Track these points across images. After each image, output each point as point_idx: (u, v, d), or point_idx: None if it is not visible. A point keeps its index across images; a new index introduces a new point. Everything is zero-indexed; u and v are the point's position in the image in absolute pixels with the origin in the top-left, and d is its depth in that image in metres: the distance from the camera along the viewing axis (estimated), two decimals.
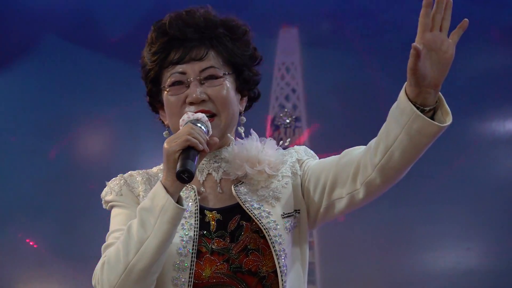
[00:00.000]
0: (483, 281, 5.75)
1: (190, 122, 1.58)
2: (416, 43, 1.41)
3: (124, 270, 1.57)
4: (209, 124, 1.62)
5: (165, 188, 1.57)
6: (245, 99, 1.87)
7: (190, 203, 1.72)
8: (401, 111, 1.48)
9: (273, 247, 1.65)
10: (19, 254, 6.11)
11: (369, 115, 5.69)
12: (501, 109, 6.31)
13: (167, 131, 1.78)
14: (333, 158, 1.77)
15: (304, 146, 1.95)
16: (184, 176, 1.48)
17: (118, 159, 6.10)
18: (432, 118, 1.45)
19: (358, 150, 1.70)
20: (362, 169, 1.60)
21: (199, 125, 1.58)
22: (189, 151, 1.55)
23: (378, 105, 5.62)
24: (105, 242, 1.69)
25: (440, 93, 1.46)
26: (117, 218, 1.77)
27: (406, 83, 1.44)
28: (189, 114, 1.61)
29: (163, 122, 1.83)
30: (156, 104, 1.82)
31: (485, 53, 6.23)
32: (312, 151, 1.96)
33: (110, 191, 1.79)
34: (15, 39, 6.42)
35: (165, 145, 1.56)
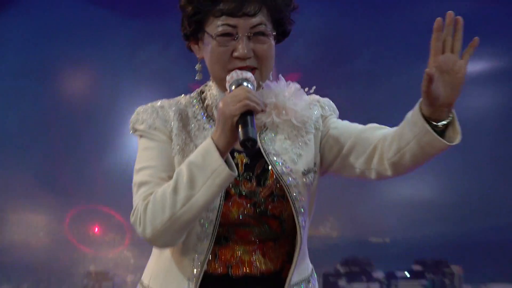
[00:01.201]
0: (437, 213, 5.67)
1: (239, 81, 1.47)
2: (429, 67, 1.40)
3: (169, 219, 1.54)
4: (255, 83, 1.53)
5: (218, 148, 1.49)
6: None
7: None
8: (414, 122, 1.49)
9: (293, 204, 1.58)
10: (8, 186, 5.99)
11: (348, 65, 5.82)
12: None
13: (199, 65, 1.60)
14: (355, 126, 1.68)
15: (328, 99, 1.77)
16: (248, 145, 1.42)
17: (100, 98, 5.91)
18: (444, 131, 1.44)
19: (379, 131, 1.64)
20: (378, 157, 1.58)
21: (247, 84, 1.48)
22: (247, 116, 1.46)
23: (356, 56, 5.92)
24: (134, 172, 1.81)
25: (454, 111, 1.42)
26: (148, 152, 1.64)
27: (421, 99, 1.45)
28: (238, 73, 1.52)
29: (191, 50, 1.65)
30: (190, 37, 1.66)
31: None
32: (333, 104, 1.79)
33: (142, 121, 1.64)
34: None
35: (222, 106, 1.49)
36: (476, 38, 1.34)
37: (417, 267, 5.23)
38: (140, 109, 1.58)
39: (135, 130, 1.60)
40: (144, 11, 6.39)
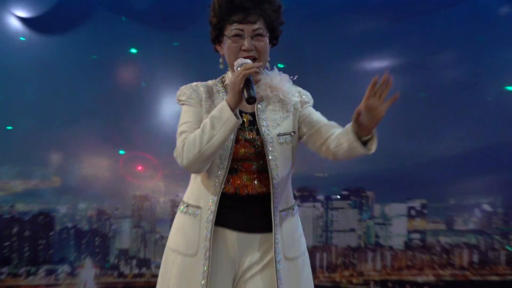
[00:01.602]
0: (359, 157, 6.68)
1: (242, 63, 1.98)
2: (361, 105, 1.80)
3: (198, 152, 1.94)
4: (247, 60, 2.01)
5: (230, 106, 1.93)
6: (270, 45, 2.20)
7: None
8: (348, 133, 1.87)
9: (267, 152, 2.05)
10: (82, 139, 5.97)
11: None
12: None
13: (222, 59, 2.15)
14: (322, 118, 2.25)
15: (306, 92, 2.41)
16: (251, 100, 1.87)
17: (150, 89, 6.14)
18: (367, 141, 1.89)
19: (333, 129, 2.12)
20: (326, 146, 2.02)
21: (247, 61, 1.99)
22: (249, 82, 1.90)
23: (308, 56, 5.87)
24: (178, 126, 2.10)
25: (374, 130, 1.88)
26: (187, 113, 2.13)
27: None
28: (241, 59, 2.01)
29: (216, 51, 2.18)
30: (216, 41, 2.14)
31: None
32: (310, 96, 2.42)
33: (183, 94, 2.14)
34: None
35: (232, 78, 1.96)
36: (398, 92, 1.77)
37: (345, 192, 5.77)
38: (182, 87, 2.09)
39: (179, 101, 2.08)
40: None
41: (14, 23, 5.80)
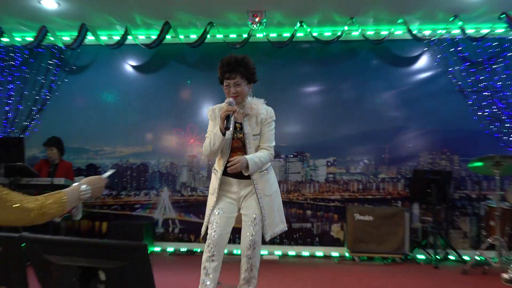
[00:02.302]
0: (302, 132, 7.07)
1: (228, 102, 3.03)
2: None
3: (210, 151, 3.13)
4: (234, 102, 3.15)
5: (220, 128, 2.95)
6: (251, 84, 3.28)
7: (232, 121, 3.13)
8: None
9: (247, 144, 3.11)
10: (153, 128, 7.37)
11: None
12: None
13: (228, 99, 3.16)
14: (267, 136, 3.33)
15: (272, 109, 3.41)
16: (225, 130, 2.91)
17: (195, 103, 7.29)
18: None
19: (260, 149, 3.27)
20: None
21: (231, 100, 3.08)
22: (228, 117, 2.90)
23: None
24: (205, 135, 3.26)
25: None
26: (210, 125, 3.28)
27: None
28: (228, 99, 3.05)
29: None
30: (221, 84, 3.19)
31: None
32: (273, 114, 3.43)
33: (209, 113, 3.31)
34: None
35: (221, 114, 2.92)
36: (233, 167, 2.93)
37: (295, 153, 6.99)
38: (209, 108, 3.36)
39: (208, 116, 3.32)
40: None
41: (128, 68, 7.30)
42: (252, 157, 3.17)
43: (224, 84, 3.24)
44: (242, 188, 3.36)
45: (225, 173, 3.31)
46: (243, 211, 3.38)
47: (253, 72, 3.28)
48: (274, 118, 3.37)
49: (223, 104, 3.27)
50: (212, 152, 3.24)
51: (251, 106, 3.28)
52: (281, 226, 3.49)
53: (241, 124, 3.28)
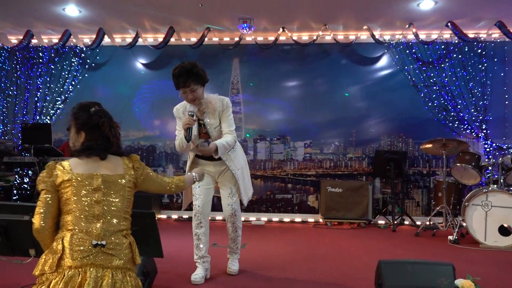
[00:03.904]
0: (287, 115, 6.96)
1: (190, 114, 2.94)
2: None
3: (180, 149, 3.18)
4: (194, 112, 3.01)
5: (185, 136, 2.98)
6: (204, 85, 3.15)
7: (196, 120, 3.08)
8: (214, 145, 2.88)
9: (210, 134, 3.11)
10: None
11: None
12: None
13: (189, 110, 3.07)
14: (227, 123, 3.23)
15: (228, 99, 3.29)
16: (187, 140, 2.90)
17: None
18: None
19: (224, 133, 3.20)
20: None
21: (191, 112, 2.97)
22: (189, 129, 2.91)
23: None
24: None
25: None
26: (177, 124, 3.25)
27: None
28: (190, 111, 2.97)
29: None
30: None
31: None
32: (229, 103, 3.28)
33: (174, 112, 3.25)
34: None
35: (183, 126, 2.95)
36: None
37: (278, 137, 7.00)
38: (174, 107, 3.27)
39: (174, 115, 3.25)
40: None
41: (139, 65, 7.16)
42: (221, 141, 3.14)
43: (181, 91, 3.10)
44: (217, 167, 3.37)
45: (198, 155, 3.36)
46: (220, 186, 3.40)
47: (203, 77, 3.11)
48: (231, 105, 3.27)
49: (184, 102, 3.22)
50: (182, 151, 3.29)
51: (207, 104, 3.18)
52: (252, 189, 3.56)
53: (203, 120, 3.25)
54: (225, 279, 3.42)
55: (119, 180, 2.03)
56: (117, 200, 2.00)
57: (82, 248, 1.84)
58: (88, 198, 1.94)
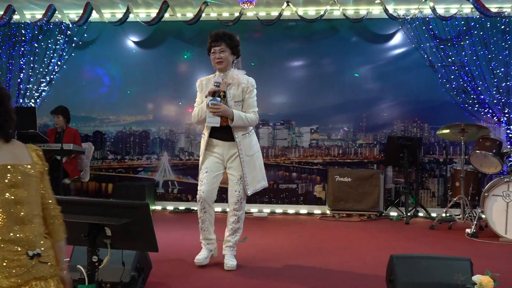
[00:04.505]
0: (290, 99, 7.24)
1: (216, 83, 3.38)
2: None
3: (198, 118, 3.55)
4: (220, 82, 3.40)
5: (206, 103, 3.34)
6: (234, 56, 3.52)
7: (221, 91, 3.41)
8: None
9: (229, 107, 3.33)
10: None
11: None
12: None
13: (216, 78, 3.47)
14: (251, 101, 3.55)
15: (253, 79, 3.60)
16: (211, 102, 3.29)
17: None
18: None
19: (247, 112, 3.51)
20: None
21: (217, 83, 3.39)
22: (214, 93, 3.35)
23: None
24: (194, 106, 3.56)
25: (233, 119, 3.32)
26: (198, 96, 3.64)
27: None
28: (217, 79, 3.41)
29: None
30: (208, 53, 3.49)
31: None
32: (254, 83, 3.61)
33: (197, 84, 3.62)
34: None
35: (208, 91, 3.38)
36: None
37: (282, 121, 7.08)
38: (198, 79, 3.69)
39: (197, 86, 3.66)
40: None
41: (130, 43, 7.24)
42: (239, 112, 3.42)
43: (211, 51, 3.46)
44: (227, 150, 3.56)
45: (211, 135, 3.55)
46: (229, 171, 3.59)
47: (237, 45, 3.49)
48: (255, 86, 3.57)
49: (211, 75, 3.58)
50: (200, 121, 3.54)
51: (233, 76, 3.48)
52: (263, 182, 3.68)
53: (224, 92, 3.45)
54: (223, 274, 3.50)
55: (31, 171, 1.79)
56: (34, 196, 1.79)
57: (16, 263, 1.65)
58: (6, 196, 1.70)
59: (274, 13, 6.71)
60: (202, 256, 3.60)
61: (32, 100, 7.19)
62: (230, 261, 3.62)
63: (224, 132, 3.51)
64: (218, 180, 3.59)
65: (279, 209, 6.89)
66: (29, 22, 7.02)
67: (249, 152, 3.54)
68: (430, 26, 6.69)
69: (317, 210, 6.81)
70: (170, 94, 7.29)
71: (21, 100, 7.15)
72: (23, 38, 7.17)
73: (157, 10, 6.60)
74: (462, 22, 6.60)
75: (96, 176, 7.15)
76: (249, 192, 3.55)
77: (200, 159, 3.65)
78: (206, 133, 3.57)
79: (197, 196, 3.58)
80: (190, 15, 6.81)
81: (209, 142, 3.54)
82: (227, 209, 3.71)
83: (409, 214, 6.09)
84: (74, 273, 2.76)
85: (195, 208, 6.62)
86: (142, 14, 7.02)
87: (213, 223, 3.65)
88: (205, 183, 3.51)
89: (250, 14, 6.68)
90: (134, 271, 2.79)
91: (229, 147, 3.54)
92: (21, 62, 7.19)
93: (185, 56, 7.23)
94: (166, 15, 6.66)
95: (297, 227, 5.73)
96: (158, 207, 7.06)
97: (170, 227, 5.61)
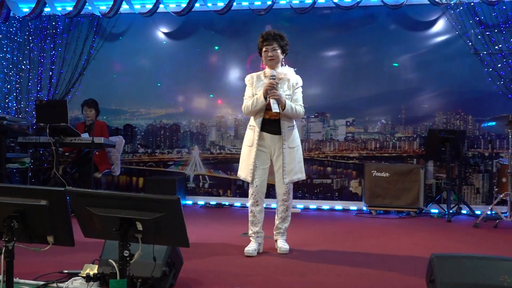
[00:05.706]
0: (316, 91, 7.26)
1: (272, 77, 3.77)
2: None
3: (251, 109, 3.79)
4: (276, 75, 3.77)
5: (263, 95, 3.69)
6: (284, 55, 3.87)
7: (277, 83, 3.78)
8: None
9: (280, 104, 3.67)
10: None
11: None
12: None
13: (262, 60, 3.90)
14: (298, 95, 3.94)
15: (299, 77, 3.97)
16: (265, 98, 3.68)
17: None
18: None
19: (294, 104, 3.83)
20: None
21: (273, 77, 3.80)
22: (272, 86, 3.69)
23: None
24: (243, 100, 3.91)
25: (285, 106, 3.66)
26: (247, 90, 3.94)
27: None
28: (272, 73, 3.79)
29: (260, 56, 3.87)
30: (260, 53, 3.83)
31: None
32: (301, 80, 3.98)
33: (247, 80, 3.95)
34: None
35: (265, 86, 3.75)
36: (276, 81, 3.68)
37: (316, 114, 7.11)
38: (248, 75, 3.99)
39: (246, 81, 3.99)
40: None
41: (160, 35, 7.43)
42: (289, 102, 3.76)
43: (263, 50, 3.81)
44: (275, 143, 3.84)
45: (261, 129, 3.83)
46: (276, 164, 3.89)
47: (286, 44, 3.88)
48: (302, 84, 3.96)
49: (260, 73, 3.91)
50: (252, 112, 3.82)
51: (283, 72, 3.86)
52: (299, 175, 3.94)
53: (277, 86, 3.79)
54: (254, 272, 3.46)
55: None
56: None
57: None
58: None
59: (308, 1, 6.68)
60: (251, 248, 3.85)
61: (64, 94, 7.38)
62: (283, 246, 3.98)
63: (273, 125, 3.82)
64: (267, 173, 3.89)
65: (313, 204, 6.94)
66: (60, 14, 7.15)
67: (292, 144, 3.83)
68: (476, 11, 6.55)
69: (353, 206, 6.83)
70: (201, 86, 7.37)
71: (52, 93, 7.33)
72: (54, 31, 7.38)
73: (187, 0, 6.64)
74: (510, 7, 6.42)
75: (127, 170, 7.29)
76: (286, 181, 3.82)
77: (245, 150, 3.90)
78: (256, 125, 3.83)
79: (250, 190, 3.88)
80: (221, 4, 6.84)
81: (260, 135, 3.81)
82: (276, 201, 4.06)
83: (451, 211, 6.02)
84: (105, 267, 2.87)
85: (227, 203, 7.07)
86: (172, 4, 7.06)
87: (263, 217, 3.96)
88: (258, 176, 3.81)
89: (283, 2, 6.69)
90: (165, 266, 2.84)
91: (276, 140, 3.83)
92: (52, 55, 7.37)
93: (216, 48, 7.31)
94: (197, 4, 6.70)
95: (332, 224, 5.76)
96: (189, 202, 7.18)
97: (201, 222, 5.67)
